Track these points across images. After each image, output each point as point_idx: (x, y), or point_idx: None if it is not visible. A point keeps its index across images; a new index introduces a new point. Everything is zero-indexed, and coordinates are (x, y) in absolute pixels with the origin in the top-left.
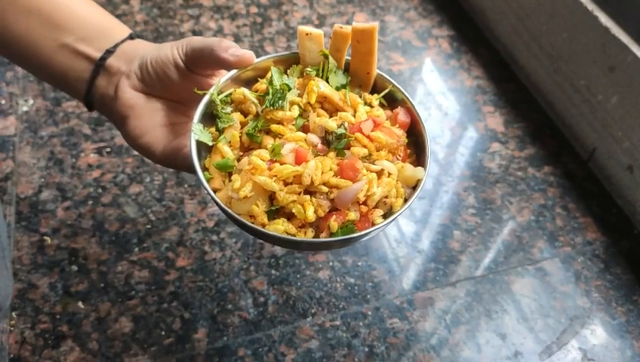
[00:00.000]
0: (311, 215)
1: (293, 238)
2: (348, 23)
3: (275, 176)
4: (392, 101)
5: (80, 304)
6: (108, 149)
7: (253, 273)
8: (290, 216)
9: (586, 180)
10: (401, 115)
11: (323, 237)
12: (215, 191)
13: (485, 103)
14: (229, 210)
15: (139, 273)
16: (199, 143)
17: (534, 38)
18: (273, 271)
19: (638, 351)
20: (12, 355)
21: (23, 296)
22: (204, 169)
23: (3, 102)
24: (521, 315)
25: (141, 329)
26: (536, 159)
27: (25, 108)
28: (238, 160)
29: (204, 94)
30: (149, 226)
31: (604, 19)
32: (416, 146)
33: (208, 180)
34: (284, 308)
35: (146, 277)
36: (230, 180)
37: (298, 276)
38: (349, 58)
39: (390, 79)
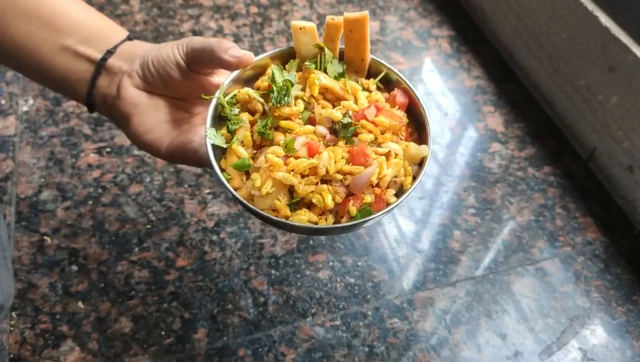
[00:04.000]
0: (330, 202)
1: (319, 226)
2: None
3: (293, 170)
4: (387, 83)
5: (80, 304)
6: (108, 149)
7: (253, 273)
8: (310, 206)
9: (586, 180)
10: (399, 96)
11: (344, 222)
12: (236, 190)
13: (485, 103)
14: (253, 207)
15: (139, 273)
16: (213, 146)
17: (534, 38)
18: (273, 271)
19: (638, 351)
20: (12, 355)
21: (23, 296)
22: (222, 170)
23: (3, 102)
24: (521, 315)
25: (141, 329)
26: (536, 159)
27: (25, 108)
28: (253, 158)
29: (211, 98)
30: (149, 226)
31: (604, 19)
32: (416, 124)
33: (228, 180)
34: (284, 308)
35: (146, 277)
36: (247, 178)
37: (298, 276)
38: (343, 47)
39: (383, 62)
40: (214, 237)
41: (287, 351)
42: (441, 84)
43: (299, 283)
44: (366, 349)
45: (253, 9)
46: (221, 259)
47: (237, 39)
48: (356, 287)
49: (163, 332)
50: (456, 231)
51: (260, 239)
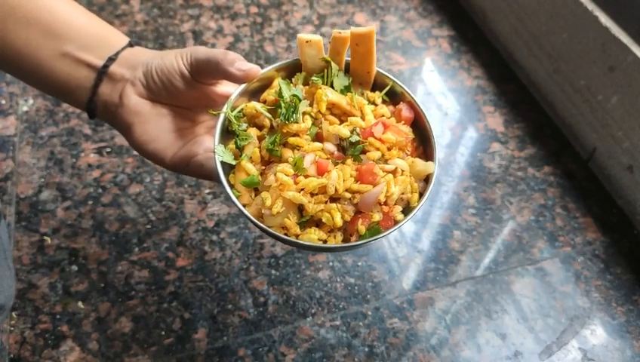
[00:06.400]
0: (339, 221)
1: (331, 246)
2: (348, 23)
3: (302, 189)
4: (392, 95)
5: (80, 304)
6: (108, 149)
7: (253, 273)
8: (318, 223)
9: (586, 180)
10: (405, 110)
11: (353, 240)
12: (245, 206)
13: (485, 103)
14: (263, 225)
15: (139, 273)
16: (221, 162)
17: (534, 38)
18: (273, 271)
19: (638, 351)
20: (12, 355)
21: (23, 296)
22: (230, 186)
23: (3, 102)
24: (521, 315)
25: (141, 329)
26: (536, 159)
27: (25, 108)
28: (261, 174)
29: (219, 114)
30: (149, 226)
31: (604, 19)
32: (421, 138)
33: (237, 197)
34: (284, 308)
35: (146, 277)
36: (256, 194)
37: (298, 276)
38: (349, 58)
39: (389, 75)
40: (214, 237)
41: (287, 351)
42: (441, 84)
43: (299, 283)
44: (366, 349)
45: (253, 9)
46: (221, 259)
47: (237, 39)
48: (356, 287)
49: (163, 332)
50: (456, 231)
51: (259, 239)
